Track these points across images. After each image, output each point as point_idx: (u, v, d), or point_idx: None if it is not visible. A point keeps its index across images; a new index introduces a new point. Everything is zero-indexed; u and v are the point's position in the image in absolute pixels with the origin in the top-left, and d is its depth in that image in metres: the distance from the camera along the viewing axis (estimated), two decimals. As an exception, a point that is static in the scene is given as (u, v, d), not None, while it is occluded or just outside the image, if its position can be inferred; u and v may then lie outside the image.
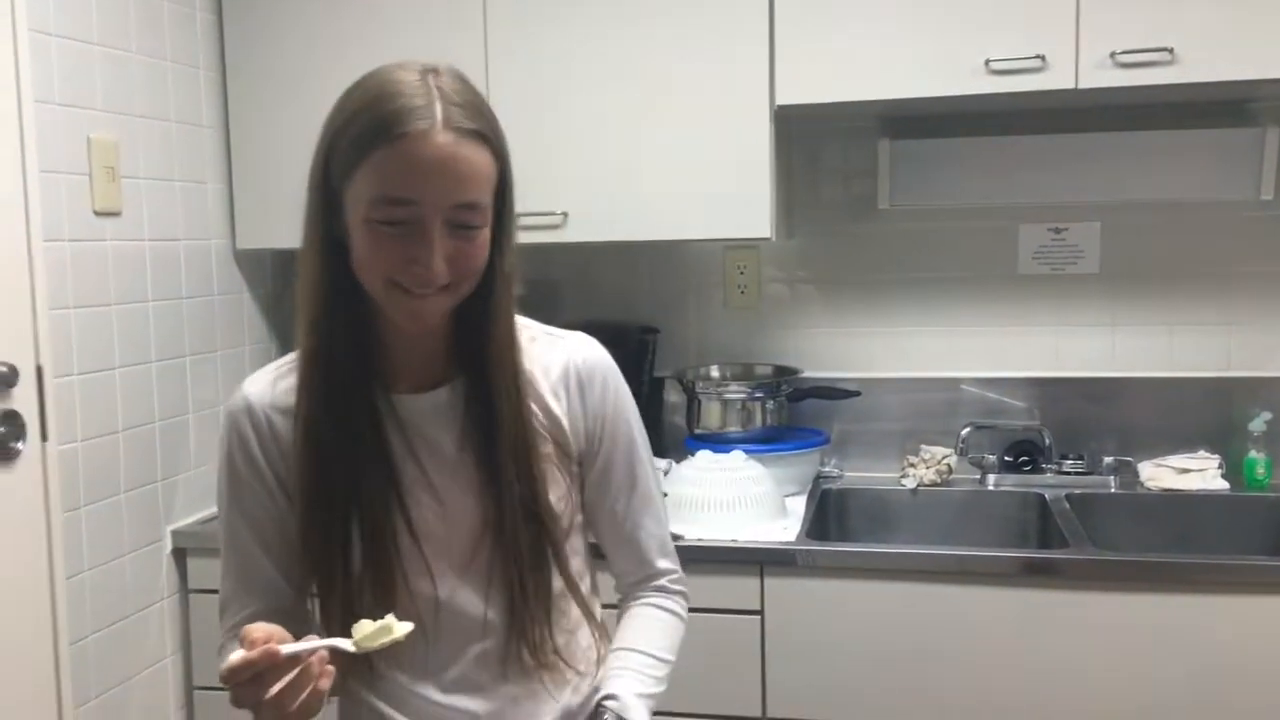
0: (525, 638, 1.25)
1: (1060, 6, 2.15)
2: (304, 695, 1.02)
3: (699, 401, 2.60)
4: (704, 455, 2.36)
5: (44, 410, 1.97)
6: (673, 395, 2.74)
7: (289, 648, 1.01)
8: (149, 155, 2.27)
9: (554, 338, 1.32)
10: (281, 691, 1.00)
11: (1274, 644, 1.97)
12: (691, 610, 2.09)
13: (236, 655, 1.00)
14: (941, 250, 2.65)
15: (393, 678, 1.27)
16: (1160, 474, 2.48)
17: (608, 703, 1.25)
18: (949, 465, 2.57)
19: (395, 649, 1.10)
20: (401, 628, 1.08)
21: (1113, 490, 2.48)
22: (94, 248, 2.11)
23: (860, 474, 2.68)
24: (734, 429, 2.55)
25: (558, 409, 1.28)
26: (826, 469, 2.68)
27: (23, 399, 1.93)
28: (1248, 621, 1.98)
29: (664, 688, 1.33)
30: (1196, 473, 2.46)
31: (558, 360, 1.29)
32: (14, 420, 1.91)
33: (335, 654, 1.07)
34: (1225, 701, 1.98)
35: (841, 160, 2.67)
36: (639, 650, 1.33)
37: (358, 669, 1.25)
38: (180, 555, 2.36)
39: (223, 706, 1.10)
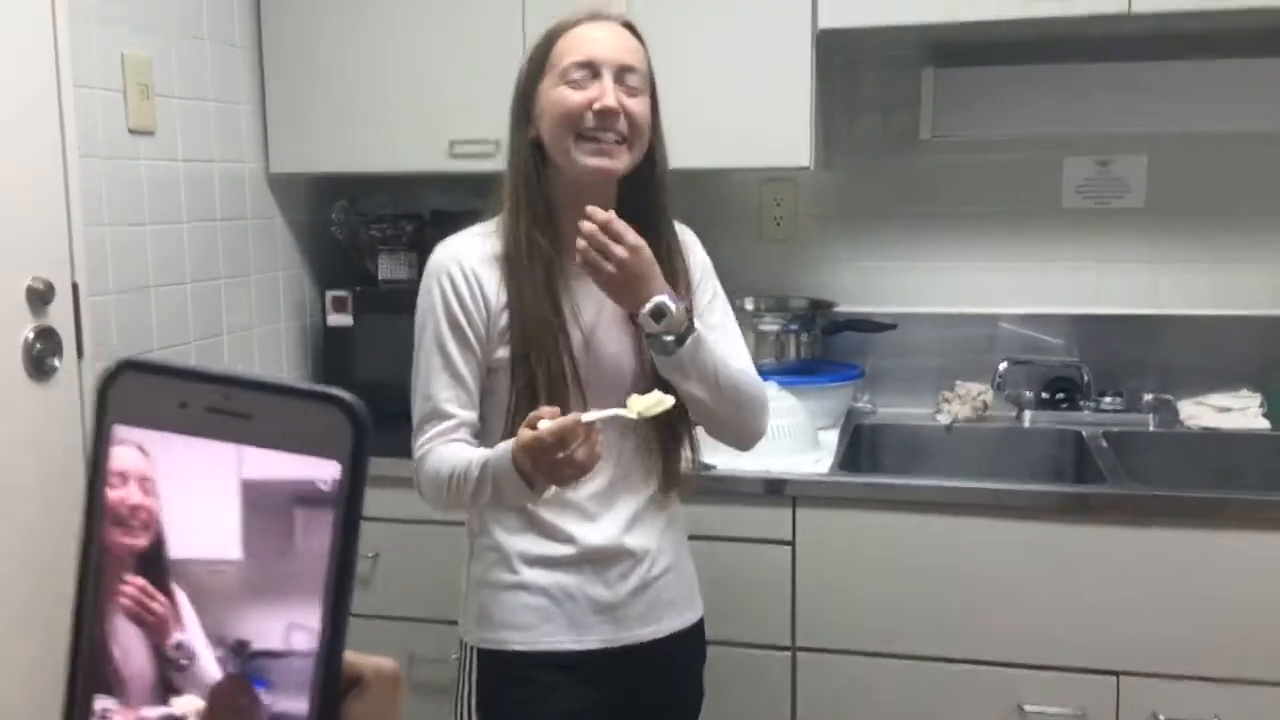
0: (669, 470, 1.63)
1: (1115, -73, 2.08)
2: (588, 454, 1.34)
3: (733, 333, 2.57)
4: (737, 386, 2.34)
5: (80, 327, 1.97)
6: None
7: (587, 416, 1.34)
8: (183, 74, 2.25)
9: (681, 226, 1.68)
10: (577, 452, 1.32)
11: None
12: (723, 539, 2.14)
13: (546, 424, 1.32)
14: (983, 183, 2.60)
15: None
16: (1200, 412, 2.44)
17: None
18: (985, 402, 2.54)
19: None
20: (668, 399, 1.38)
21: (1151, 428, 2.45)
22: (129, 166, 2.11)
23: (895, 409, 2.66)
24: (768, 360, 2.52)
25: (695, 276, 1.64)
26: (860, 404, 2.66)
27: (59, 316, 1.93)
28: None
29: (724, 375, 1.54)
30: (1238, 411, 2.42)
31: (695, 244, 1.71)
32: (50, 337, 1.91)
33: None
34: (1262, 637, 1.96)
35: (883, 90, 2.61)
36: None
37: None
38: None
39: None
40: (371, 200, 2.76)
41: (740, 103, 2.28)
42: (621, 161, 1.50)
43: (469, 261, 1.54)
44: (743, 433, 1.64)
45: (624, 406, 1.38)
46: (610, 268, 1.44)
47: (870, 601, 2.11)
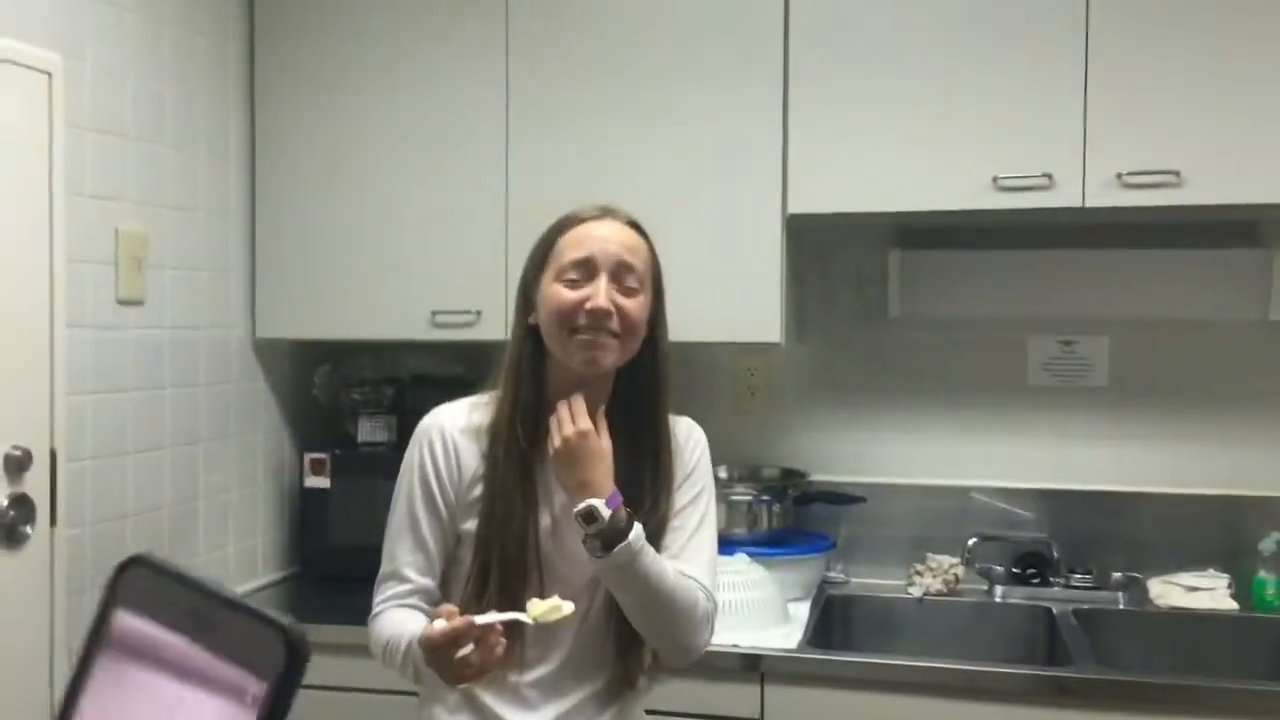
0: (627, 662, 1.56)
1: (1068, 127, 2.20)
2: (486, 657, 1.31)
3: (706, 502, 2.60)
4: (708, 558, 2.35)
5: (55, 494, 1.99)
6: (681, 494, 2.74)
7: (482, 619, 1.31)
8: (177, 245, 2.33)
9: (679, 417, 1.65)
10: (470, 654, 1.29)
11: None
12: (689, 716, 2.12)
13: (439, 625, 1.29)
14: (952, 359, 2.67)
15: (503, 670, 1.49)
16: (1169, 591, 2.45)
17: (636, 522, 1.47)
18: (956, 575, 2.56)
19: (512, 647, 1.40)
20: (567, 606, 1.37)
21: (1121, 606, 2.46)
22: (115, 336, 2.16)
23: (866, 580, 2.66)
24: (740, 531, 2.55)
25: (683, 474, 1.59)
26: (832, 574, 2.67)
27: (34, 482, 1.95)
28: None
29: (660, 588, 1.47)
30: (1206, 591, 2.43)
31: (694, 437, 1.65)
32: (24, 504, 1.93)
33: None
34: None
35: (853, 268, 2.71)
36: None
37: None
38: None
39: None
40: (353, 364, 2.81)
41: (716, 282, 2.35)
42: (610, 357, 1.50)
43: (453, 430, 1.55)
44: (673, 648, 1.55)
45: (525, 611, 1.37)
46: (557, 440, 1.46)
47: (839, 784, 2.08)
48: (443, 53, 2.49)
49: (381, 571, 1.57)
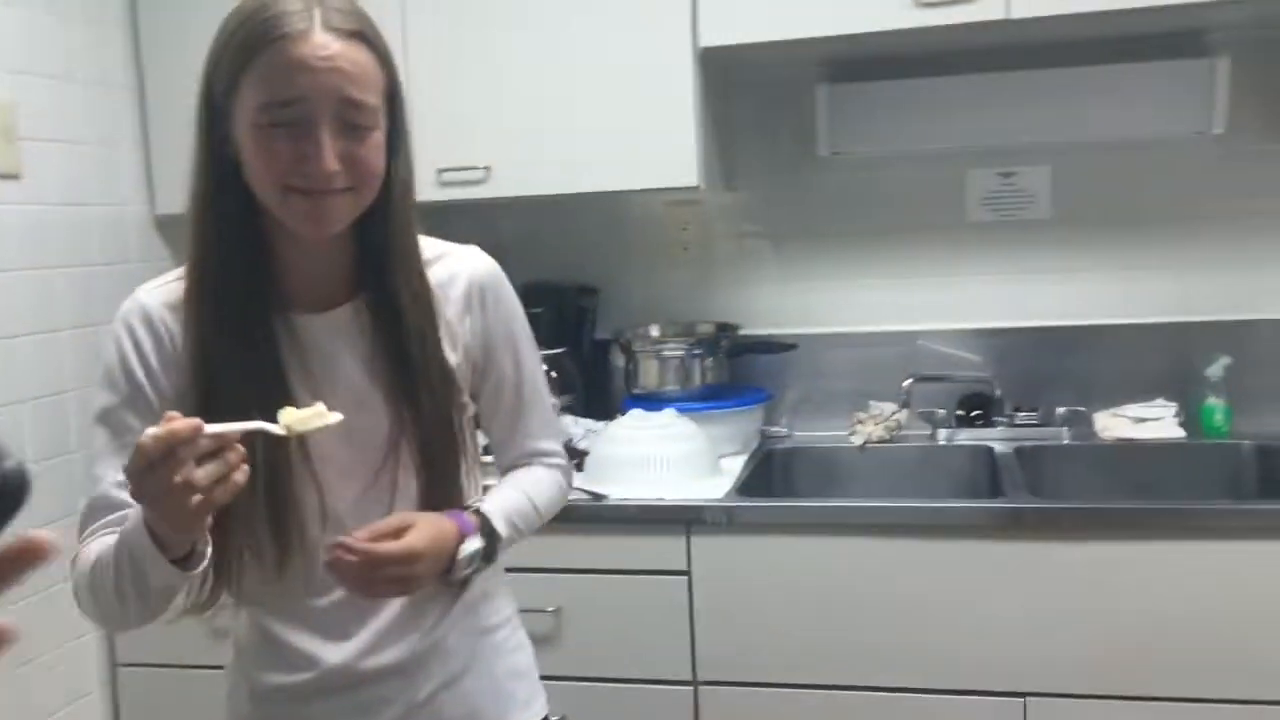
0: None
1: (988, -68, 2.05)
2: (217, 483, 0.97)
3: (636, 361, 2.52)
4: (634, 414, 2.28)
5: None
6: (620, 358, 2.66)
7: (213, 427, 0.96)
8: (54, 116, 2.20)
9: (448, 253, 1.31)
10: (195, 475, 0.95)
11: (1228, 589, 1.87)
12: (616, 572, 2.07)
13: (153, 430, 0.94)
14: (886, 199, 2.56)
15: (292, 595, 1.23)
16: (1115, 424, 2.38)
17: (482, 507, 1.26)
18: (899, 421, 2.49)
19: (292, 565, 1.18)
20: (334, 416, 1.06)
21: (1065, 441, 2.39)
22: (-9, 211, 2.05)
23: (810, 433, 2.59)
24: (672, 388, 2.47)
25: (461, 326, 1.27)
26: (776, 429, 2.60)
27: (-90, 366, 1.87)
28: (1201, 568, 1.88)
29: (530, 529, 1.33)
30: (1153, 421, 2.36)
31: (460, 275, 1.29)
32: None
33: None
34: (1181, 648, 1.88)
35: (781, 108, 2.57)
36: (511, 486, 1.34)
37: (258, 593, 1.24)
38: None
39: (148, 681, 1.06)
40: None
41: (628, 125, 2.24)
42: (343, 216, 1.15)
43: (157, 309, 1.20)
44: None
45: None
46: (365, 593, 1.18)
47: (771, 631, 2.03)
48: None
49: (84, 504, 1.18)
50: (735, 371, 2.56)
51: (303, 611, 1.24)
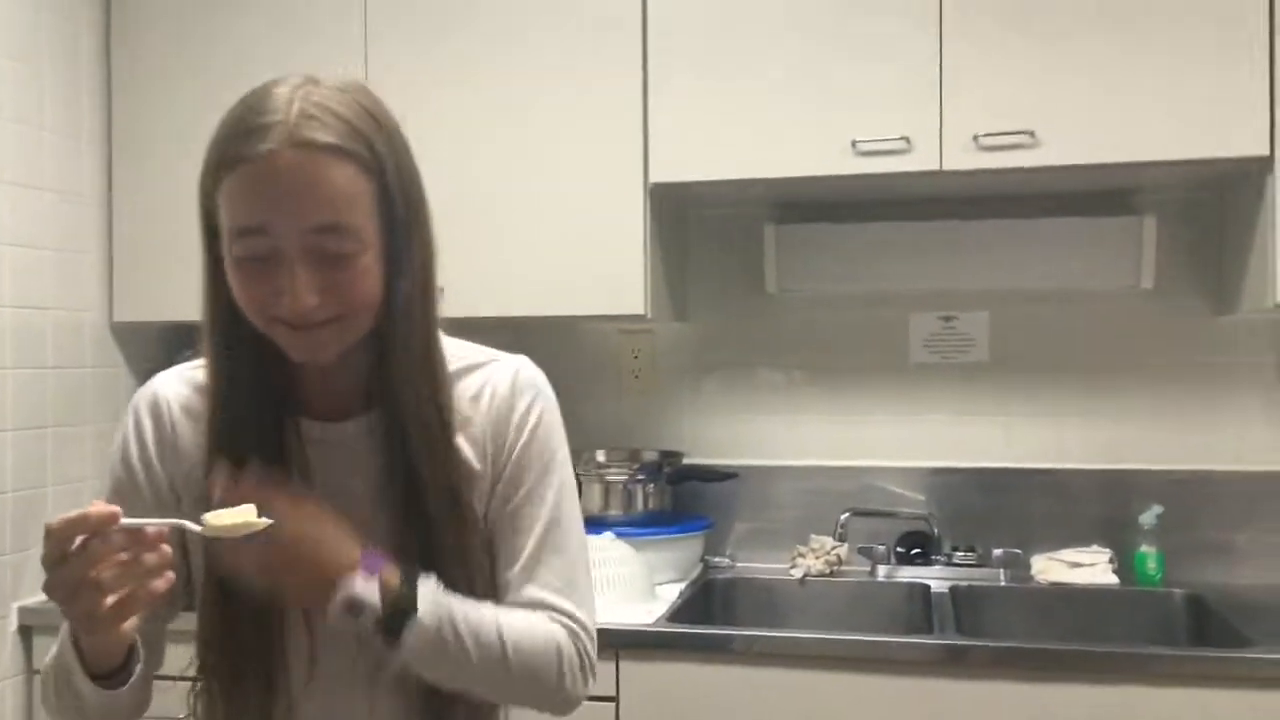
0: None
1: (924, 89, 2.17)
2: (130, 587, 0.89)
3: (580, 485, 2.54)
4: (572, 537, 2.29)
5: None
6: (566, 482, 2.68)
7: (130, 521, 0.89)
8: (16, 222, 2.26)
9: (489, 362, 1.19)
10: (108, 576, 0.87)
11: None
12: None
13: (66, 515, 0.87)
14: (833, 337, 2.63)
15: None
16: (1051, 567, 2.41)
17: (422, 580, 1.06)
18: (839, 555, 2.50)
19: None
20: (261, 521, 0.96)
21: (1001, 583, 2.40)
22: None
23: (753, 564, 2.60)
24: (614, 512, 2.49)
25: (487, 444, 1.15)
26: (719, 559, 2.61)
27: None
28: (1135, 713, 1.87)
29: (484, 658, 1.07)
30: (1087, 567, 2.38)
31: (494, 388, 1.16)
32: None
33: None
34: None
35: (733, 245, 2.66)
36: (488, 604, 1.11)
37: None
38: (26, 633, 2.27)
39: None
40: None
41: (580, 254, 2.31)
42: (334, 346, 1.06)
43: (171, 403, 1.15)
44: (533, 707, 1.19)
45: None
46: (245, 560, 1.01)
47: (697, 763, 2.01)
48: (296, 39, 2.43)
49: None
50: (681, 500, 2.58)
51: None
